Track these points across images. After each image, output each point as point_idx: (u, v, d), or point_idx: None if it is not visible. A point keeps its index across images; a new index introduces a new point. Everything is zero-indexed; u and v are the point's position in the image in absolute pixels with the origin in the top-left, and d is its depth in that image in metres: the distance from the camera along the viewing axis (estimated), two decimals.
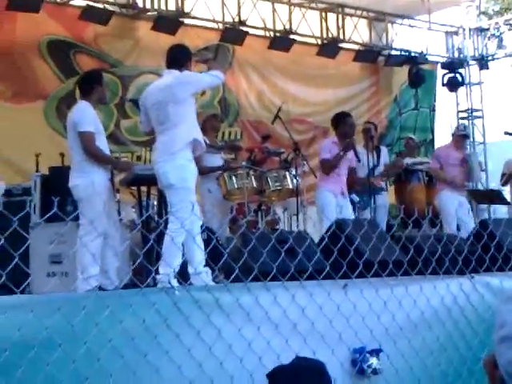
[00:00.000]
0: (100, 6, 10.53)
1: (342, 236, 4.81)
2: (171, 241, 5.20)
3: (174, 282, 4.91)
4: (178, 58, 5.95)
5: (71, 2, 10.60)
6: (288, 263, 4.47)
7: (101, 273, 5.86)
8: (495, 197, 10.61)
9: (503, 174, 10.39)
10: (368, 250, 4.88)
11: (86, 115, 6.23)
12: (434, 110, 14.72)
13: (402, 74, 13.92)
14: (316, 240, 5.53)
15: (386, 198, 9.40)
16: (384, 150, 9.77)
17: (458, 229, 8.98)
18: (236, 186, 7.75)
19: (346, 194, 7.98)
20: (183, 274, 5.24)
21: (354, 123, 8.44)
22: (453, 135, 9.75)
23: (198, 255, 5.45)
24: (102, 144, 6.30)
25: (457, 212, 9.05)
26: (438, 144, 14.15)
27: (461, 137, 9.58)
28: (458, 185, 9.24)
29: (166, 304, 3.93)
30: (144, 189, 7.30)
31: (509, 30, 15.16)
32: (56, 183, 7.12)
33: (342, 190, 7.95)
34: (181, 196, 5.43)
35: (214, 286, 4.94)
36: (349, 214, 7.72)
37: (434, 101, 14.79)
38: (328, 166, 8.06)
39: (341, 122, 8.23)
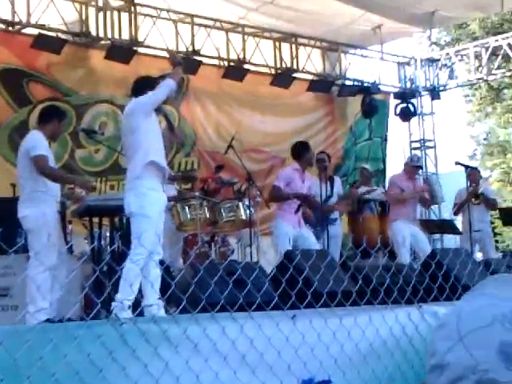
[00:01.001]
0: (53, 34, 10.49)
1: (291, 266, 4.82)
2: (125, 270, 5.20)
3: (128, 314, 4.87)
4: (138, 88, 6.05)
5: (23, 31, 10.54)
6: (236, 294, 4.47)
7: (49, 305, 5.79)
8: (447, 227, 10.76)
9: (455, 204, 10.52)
10: (317, 280, 4.90)
11: (38, 142, 6.25)
12: (385, 140, 14.82)
13: (355, 104, 13.98)
14: (269, 271, 5.54)
15: (340, 228, 9.43)
16: (338, 181, 9.78)
17: (416, 258, 9.02)
18: (189, 217, 7.74)
19: (302, 224, 7.99)
20: (137, 307, 5.20)
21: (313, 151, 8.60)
22: (405, 165, 9.78)
23: (149, 288, 5.41)
24: None
25: (412, 242, 9.07)
26: (389, 174, 14.26)
27: (414, 168, 9.62)
28: (423, 201, 9.42)
29: (112, 336, 3.88)
30: (96, 220, 7.26)
31: (459, 60, 15.42)
32: (6, 214, 7.02)
33: (299, 220, 7.95)
34: (138, 224, 5.47)
35: (162, 317, 4.91)
36: (312, 242, 7.72)
37: (386, 131, 14.91)
38: (275, 196, 8.17)
39: (304, 149, 8.28)
